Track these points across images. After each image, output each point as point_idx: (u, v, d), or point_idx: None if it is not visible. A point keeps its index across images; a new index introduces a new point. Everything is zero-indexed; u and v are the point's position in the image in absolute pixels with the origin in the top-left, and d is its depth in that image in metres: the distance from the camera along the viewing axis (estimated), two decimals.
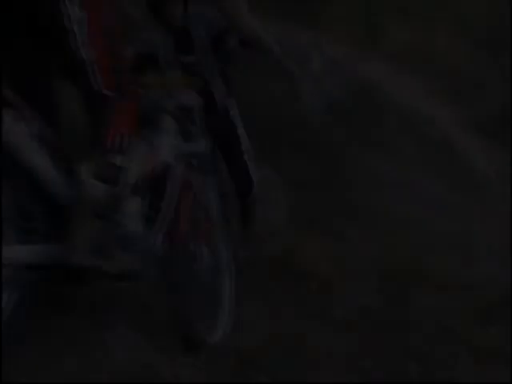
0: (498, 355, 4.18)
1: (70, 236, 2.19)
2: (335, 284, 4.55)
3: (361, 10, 8.29)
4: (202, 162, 2.97)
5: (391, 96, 7.55)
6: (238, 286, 3.37)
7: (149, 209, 2.54)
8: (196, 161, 2.92)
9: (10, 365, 2.28)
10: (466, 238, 5.92)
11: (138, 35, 3.43)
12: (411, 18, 8.80)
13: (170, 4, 3.35)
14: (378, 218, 5.87)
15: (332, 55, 7.37)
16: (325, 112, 6.84)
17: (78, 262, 2.20)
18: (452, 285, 4.92)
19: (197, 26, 3.40)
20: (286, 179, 5.60)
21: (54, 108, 2.39)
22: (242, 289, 3.44)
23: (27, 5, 2.11)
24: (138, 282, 2.65)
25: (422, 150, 7.25)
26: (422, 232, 5.79)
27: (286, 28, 6.75)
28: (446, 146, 7.40)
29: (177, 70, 3.06)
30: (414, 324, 4.32)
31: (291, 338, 3.70)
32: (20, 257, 2.17)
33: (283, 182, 5.56)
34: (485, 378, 3.93)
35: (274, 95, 6.37)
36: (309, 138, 6.30)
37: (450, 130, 7.70)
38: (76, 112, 2.40)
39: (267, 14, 5.94)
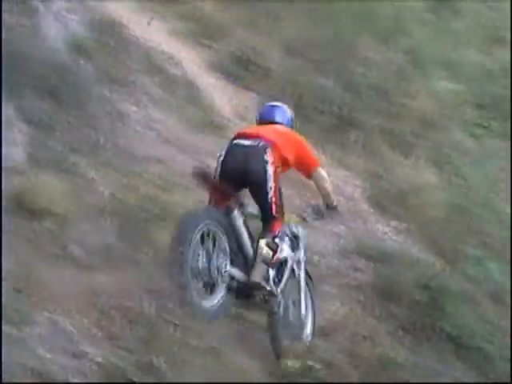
0: None
1: (253, 270, 4.89)
2: (71, 221, 4.71)
3: None
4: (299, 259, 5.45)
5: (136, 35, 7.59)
6: None
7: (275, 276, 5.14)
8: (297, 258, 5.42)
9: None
10: None
11: None
12: None
13: None
14: (120, 156, 6.09)
15: None
16: (69, 50, 6.75)
17: (255, 280, 4.86)
18: None
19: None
20: (27, 118, 5.65)
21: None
22: None
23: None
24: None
25: (166, 89, 7.41)
26: (163, 172, 6.14)
27: None
28: (189, 85, 7.63)
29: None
30: None
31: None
32: (235, 275, 4.86)
33: (24, 121, 5.62)
34: None
35: (17, 31, 6.32)
36: (53, 77, 6.19)
37: (193, 70, 7.89)
38: None
39: None
